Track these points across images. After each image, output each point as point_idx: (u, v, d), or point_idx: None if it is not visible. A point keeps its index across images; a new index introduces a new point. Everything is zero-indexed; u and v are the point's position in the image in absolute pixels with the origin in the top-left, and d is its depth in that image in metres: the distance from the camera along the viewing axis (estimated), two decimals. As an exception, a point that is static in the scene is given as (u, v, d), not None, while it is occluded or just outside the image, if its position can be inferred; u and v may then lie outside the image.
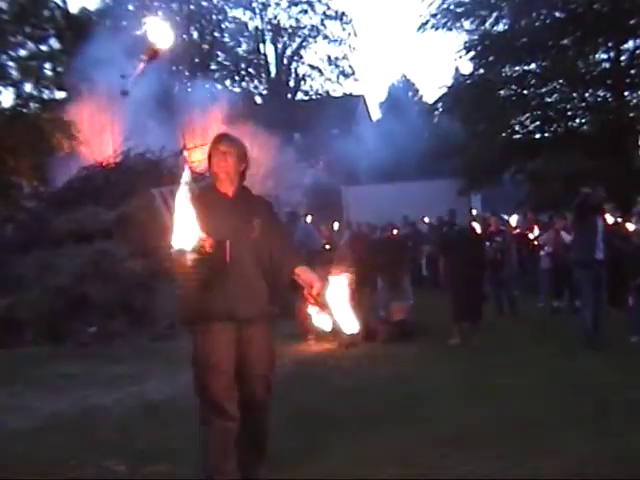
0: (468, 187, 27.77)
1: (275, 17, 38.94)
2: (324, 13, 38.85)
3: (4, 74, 18.68)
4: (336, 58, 39.50)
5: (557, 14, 25.32)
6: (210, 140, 4.84)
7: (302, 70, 39.88)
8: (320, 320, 11.32)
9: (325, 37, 39.16)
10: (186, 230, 4.29)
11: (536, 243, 15.25)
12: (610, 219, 11.91)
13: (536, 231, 16.12)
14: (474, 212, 22.39)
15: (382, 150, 28.73)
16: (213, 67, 34.71)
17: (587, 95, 25.75)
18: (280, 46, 39.11)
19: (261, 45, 39.23)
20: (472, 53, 26.64)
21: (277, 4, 38.71)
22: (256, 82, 39.79)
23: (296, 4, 38.75)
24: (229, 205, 4.66)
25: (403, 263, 13.19)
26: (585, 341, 9.85)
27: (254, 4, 38.55)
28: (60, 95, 19.91)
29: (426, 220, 23.18)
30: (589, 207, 10.13)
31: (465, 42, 26.84)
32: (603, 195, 10.42)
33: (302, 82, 39.91)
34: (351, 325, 11.11)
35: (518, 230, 17.38)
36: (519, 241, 16.09)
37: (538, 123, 26.75)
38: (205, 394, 4.57)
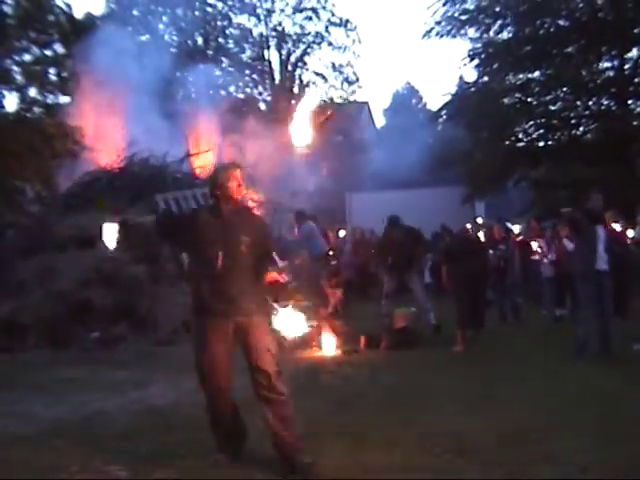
0: (472, 195, 27.79)
1: (280, 24, 39.05)
2: (328, 20, 38.93)
3: (9, 79, 18.73)
4: (340, 65, 39.57)
5: (561, 22, 25.37)
6: (222, 169, 5.64)
7: (306, 77, 39.97)
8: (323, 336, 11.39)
9: (329, 44, 39.24)
10: None
11: (539, 251, 15.20)
12: (618, 227, 11.85)
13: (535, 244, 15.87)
14: (479, 220, 22.33)
15: (386, 157, 28.78)
16: (217, 73, 34.76)
17: (591, 103, 25.79)
18: (284, 52, 39.19)
19: (265, 51, 39.31)
20: (476, 61, 26.74)
21: (282, 10, 38.82)
22: (260, 88, 39.84)
23: (301, 11, 38.83)
24: (225, 223, 5.44)
25: (413, 262, 12.90)
26: (577, 354, 9.73)
27: (259, 10, 38.66)
28: (64, 100, 19.97)
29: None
30: (586, 217, 9.98)
31: (469, 50, 26.95)
32: (600, 203, 10.21)
33: (306, 88, 39.95)
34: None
35: (521, 237, 17.37)
36: (522, 249, 16.06)
37: (542, 131, 26.80)
38: (206, 391, 5.48)
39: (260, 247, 5.52)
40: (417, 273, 13.02)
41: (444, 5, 26.67)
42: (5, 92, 18.99)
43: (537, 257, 15.12)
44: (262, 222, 5.96)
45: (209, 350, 5.34)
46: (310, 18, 38.93)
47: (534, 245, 15.21)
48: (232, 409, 5.57)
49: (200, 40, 37.92)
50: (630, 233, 13.12)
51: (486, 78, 27.06)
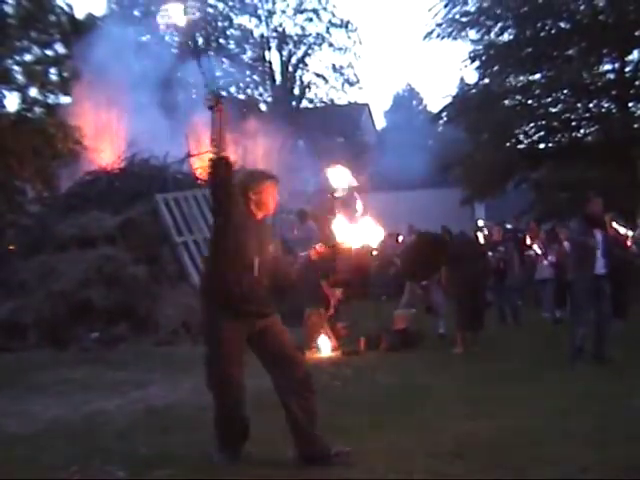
0: (472, 196, 27.79)
1: (280, 25, 38.99)
2: (329, 21, 38.85)
3: (9, 78, 18.70)
4: (341, 66, 39.49)
5: (562, 24, 25.38)
6: (265, 176, 5.83)
7: (307, 78, 39.90)
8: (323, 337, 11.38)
9: (330, 45, 39.18)
10: None
11: (539, 253, 15.19)
12: (622, 229, 11.81)
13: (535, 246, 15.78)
14: (480, 222, 22.36)
15: (386, 158, 28.73)
16: (218, 74, 34.72)
17: (591, 106, 25.79)
18: (285, 54, 39.14)
19: (266, 52, 39.28)
20: (477, 63, 26.74)
21: (283, 12, 38.77)
22: (261, 89, 39.80)
23: (302, 12, 38.78)
24: (258, 230, 5.54)
25: (436, 269, 12.76)
26: (573, 357, 9.72)
27: (260, 11, 38.63)
28: (65, 100, 19.95)
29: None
30: (585, 220, 9.89)
31: (470, 52, 26.94)
32: (600, 207, 10.11)
33: (307, 90, 39.91)
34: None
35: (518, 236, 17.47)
36: (520, 247, 16.12)
37: (542, 133, 26.80)
38: (229, 381, 5.40)
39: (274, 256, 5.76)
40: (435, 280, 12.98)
41: (445, 7, 26.68)
42: (6, 92, 18.96)
43: (532, 253, 15.20)
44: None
45: (230, 357, 5.37)
46: (311, 19, 38.89)
47: (534, 246, 15.26)
48: (243, 411, 5.56)
49: (201, 41, 37.89)
50: (630, 235, 13.12)
51: (487, 80, 27.05)
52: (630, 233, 12.07)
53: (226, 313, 5.35)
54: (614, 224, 11.45)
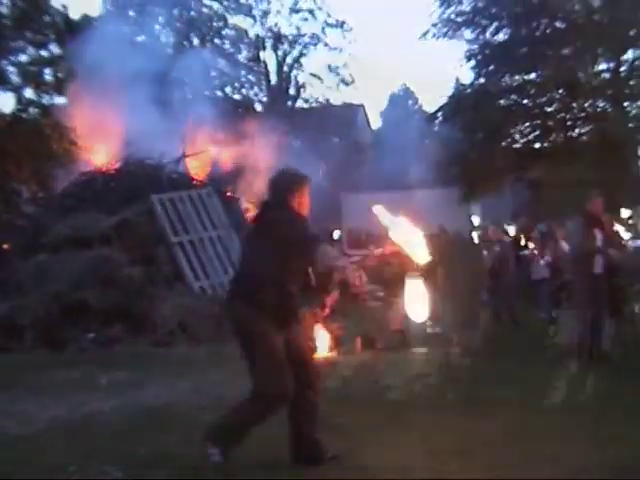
0: (468, 196, 27.78)
1: (276, 25, 38.93)
2: (325, 21, 38.83)
3: (4, 79, 18.66)
4: (336, 66, 39.50)
5: (557, 24, 25.38)
6: (306, 178, 5.67)
7: (302, 78, 39.89)
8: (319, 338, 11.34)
9: (326, 45, 39.15)
10: None
11: (535, 252, 15.18)
12: (621, 230, 11.80)
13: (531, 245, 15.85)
14: (474, 219, 22.38)
15: (382, 158, 28.74)
16: (213, 74, 34.68)
17: (587, 105, 25.81)
18: (280, 54, 39.09)
19: (261, 52, 39.23)
20: (472, 62, 26.76)
21: (278, 12, 38.70)
22: (256, 89, 39.78)
23: (297, 12, 38.72)
24: None
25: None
26: (573, 355, 9.72)
27: (255, 11, 38.56)
28: (60, 100, 19.92)
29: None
30: (586, 220, 9.86)
31: (466, 51, 26.96)
32: (601, 207, 10.08)
33: (302, 90, 39.89)
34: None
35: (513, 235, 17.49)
36: (516, 248, 16.13)
37: (538, 132, 26.80)
38: (280, 385, 5.14)
39: None
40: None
41: (440, 6, 26.69)
42: (1, 93, 18.93)
43: (527, 252, 15.21)
44: None
45: (284, 364, 5.18)
46: (306, 19, 38.85)
47: (530, 245, 15.27)
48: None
49: (196, 41, 37.84)
50: (626, 235, 13.14)
51: (482, 80, 27.07)
52: (626, 235, 12.09)
53: (277, 322, 5.21)
54: (612, 224, 11.46)
